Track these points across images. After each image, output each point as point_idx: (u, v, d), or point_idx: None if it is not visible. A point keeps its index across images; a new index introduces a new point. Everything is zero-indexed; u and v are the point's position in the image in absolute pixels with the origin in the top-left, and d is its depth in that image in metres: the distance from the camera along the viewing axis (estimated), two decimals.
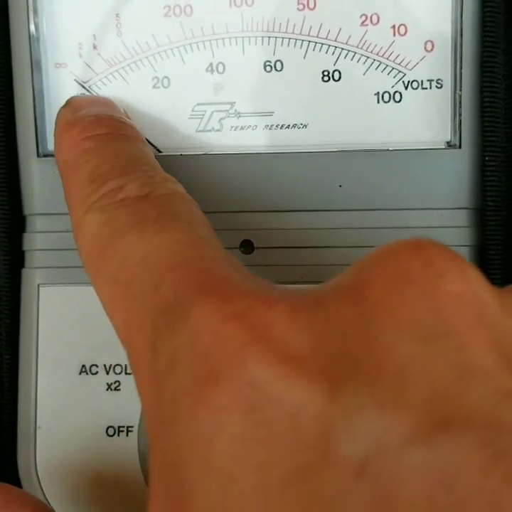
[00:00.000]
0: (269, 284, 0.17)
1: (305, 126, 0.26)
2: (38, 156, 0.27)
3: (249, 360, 0.14)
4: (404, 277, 0.15)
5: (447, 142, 0.26)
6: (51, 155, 0.27)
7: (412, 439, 0.12)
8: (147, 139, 0.27)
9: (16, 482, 0.27)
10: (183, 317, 0.15)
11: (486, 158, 0.25)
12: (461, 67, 0.25)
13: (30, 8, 0.26)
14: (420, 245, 0.15)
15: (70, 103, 0.25)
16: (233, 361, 0.14)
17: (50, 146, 0.27)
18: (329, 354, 0.14)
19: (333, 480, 0.13)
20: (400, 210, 0.26)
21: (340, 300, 0.15)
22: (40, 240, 0.27)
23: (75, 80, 0.27)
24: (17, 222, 0.27)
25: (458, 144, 0.26)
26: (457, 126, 0.26)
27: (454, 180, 0.26)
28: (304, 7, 0.26)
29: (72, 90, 0.27)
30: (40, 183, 0.27)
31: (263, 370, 0.14)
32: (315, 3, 0.26)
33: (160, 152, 0.27)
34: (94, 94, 0.27)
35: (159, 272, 0.17)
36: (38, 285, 0.26)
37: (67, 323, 0.26)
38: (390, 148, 0.26)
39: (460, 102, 0.26)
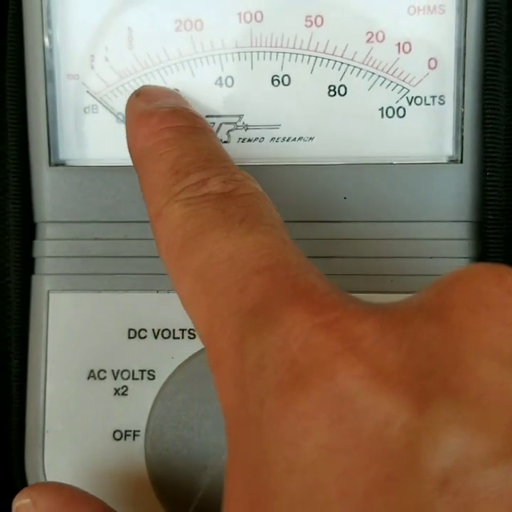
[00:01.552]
0: (350, 295, 0.17)
1: (311, 139, 0.27)
2: (50, 164, 0.27)
3: (339, 371, 0.14)
4: (486, 304, 0.15)
5: (449, 157, 0.27)
6: (62, 164, 0.27)
7: (494, 459, 0.13)
8: None
9: (24, 486, 0.27)
10: (272, 322, 0.16)
11: (487, 173, 0.26)
12: (463, 85, 0.26)
13: (45, 20, 0.27)
14: (501, 274, 0.16)
15: (141, 93, 0.25)
16: (323, 370, 0.14)
17: (62, 155, 0.28)
18: (417, 371, 0.14)
19: (416, 492, 0.13)
20: (402, 222, 0.27)
21: (426, 320, 0.15)
22: (50, 247, 0.27)
23: (87, 91, 0.27)
24: (28, 229, 0.28)
25: (459, 158, 0.26)
26: (459, 141, 0.26)
27: (455, 194, 0.26)
28: (312, 24, 0.27)
29: (84, 101, 0.27)
30: (51, 191, 0.27)
31: (353, 381, 0.14)
32: (322, 20, 0.26)
33: None
34: (106, 105, 0.27)
35: (246, 274, 0.17)
36: (48, 291, 0.27)
37: (76, 328, 0.27)
38: (394, 162, 0.27)
39: (462, 118, 0.26)
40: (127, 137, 0.24)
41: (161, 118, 0.23)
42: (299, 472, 0.14)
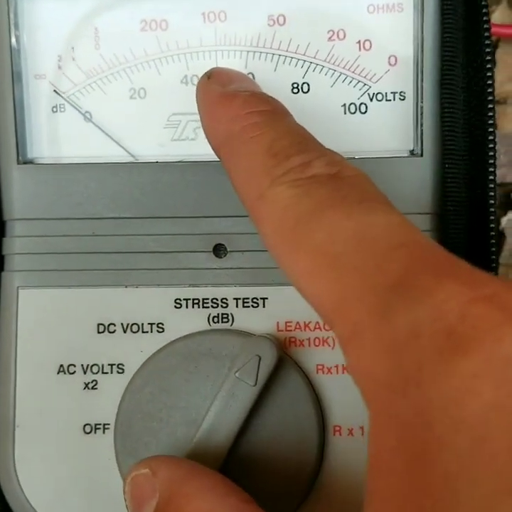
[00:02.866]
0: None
1: None
2: (18, 163, 0.28)
3: (505, 338, 0.15)
4: None
5: (410, 151, 0.27)
6: (31, 162, 0.28)
7: None
8: (123, 147, 0.28)
9: None
10: (423, 294, 0.16)
11: (447, 166, 0.26)
12: (422, 80, 0.27)
13: (12, 22, 0.27)
14: None
15: (214, 75, 0.24)
16: (488, 337, 0.15)
17: (30, 154, 0.28)
18: None
19: None
20: None
21: None
22: (19, 244, 0.28)
23: (55, 90, 0.28)
24: None
25: (420, 152, 0.27)
26: (419, 135, 0.27)
27: (416, 187, 0.27)
28: (275, 22, 0.27)
29: (52, 100, 0.28)
30: (19, 189, 0.28)
31: None
32: (285, 19, 0.27)
33: (136, 160, 0.28)
34: (74, 104, 0.28)
35: (380, 251, 0.18)
36: (17, 288, 0.27)
37: (46, 324, 0.27)
38: (356, 157, 0.27)
39: (422, 113, 0.27)
40: (203, 120, 0.24)
41: (245, 101, 0.22)
42: (465, 429, 0.15)
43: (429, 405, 0.15)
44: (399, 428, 0.16)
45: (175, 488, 0.21)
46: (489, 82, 0.26)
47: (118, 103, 0.28)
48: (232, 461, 0.25)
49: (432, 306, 0.16)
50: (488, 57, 0.26)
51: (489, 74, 0.26)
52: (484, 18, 0.26)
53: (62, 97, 0.28)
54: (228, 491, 0.21)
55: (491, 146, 0.26)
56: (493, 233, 0.27)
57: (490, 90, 0.26)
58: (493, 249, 0.27)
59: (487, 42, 0.26)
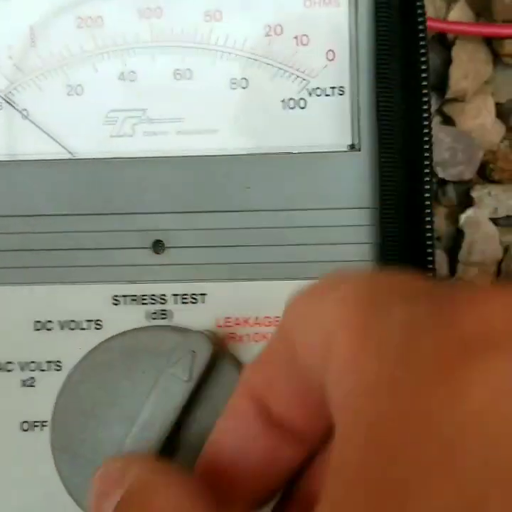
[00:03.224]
0: None
1: (215, 131, 0.28)
2: None
3: None
4: None
5: (349, 145, 0.27)
6: None
7: None
8: (61, 144, 0.28)
9: None
10: None
11: (382, 160, 0.26)
12: (358, 75, 0.27)
13: None
14: None
15: None
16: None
17: None
18: None
19: None
20: (305, 210, 0.27)
21: None
22: None
23: None
24: None
25: (358, 146, 0.27)
26: (357, 130, 0.27)
27: (355, 181, 0.27)
28: (211, 18, 0.27)
29: None
30: None
31: None
32: (221, 15, 0.27)
33: (74, 156, 0.28)
34: (11, 102, 0.28)
35: None
36: None
37: None
38: (294, 152, 0.27)
39: (359, 108, 0.27)
40: None
41: None
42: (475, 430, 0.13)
43: (437, 408, 0.14)
44: (422, 427, 0.14)
45: (143, 480, 0.21)
46: (424, 75, 0.26)
47: (55, 100, 0.28)
48: (169, 456, 0.25)
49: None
50: (423, 50, 0.26)
51: (424, 67, 0.26)
52: (419, 12, 0.26)
53: None
54: (199, 492, 0.21)
55: (427, 139, 0.26)
56: (430, 227, 0.26)
57: (425, 83, 0.26)
58: (430, 242, 0.27)
59: (422, 35, 0.26)
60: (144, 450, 0.24)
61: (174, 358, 0.25)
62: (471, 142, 0.40)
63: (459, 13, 0.41)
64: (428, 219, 0.26)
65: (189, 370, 0.25)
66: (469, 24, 0.40)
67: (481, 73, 0.41)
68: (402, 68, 0.27)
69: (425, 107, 0.26)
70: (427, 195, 0.26)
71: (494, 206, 0.40)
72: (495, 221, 0.40)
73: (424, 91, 0.26)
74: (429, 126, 0.26)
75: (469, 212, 0.40)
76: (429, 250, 0.26)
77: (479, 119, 0.41)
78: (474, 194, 0.40)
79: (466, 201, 0.41)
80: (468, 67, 0.41)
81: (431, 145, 0.26)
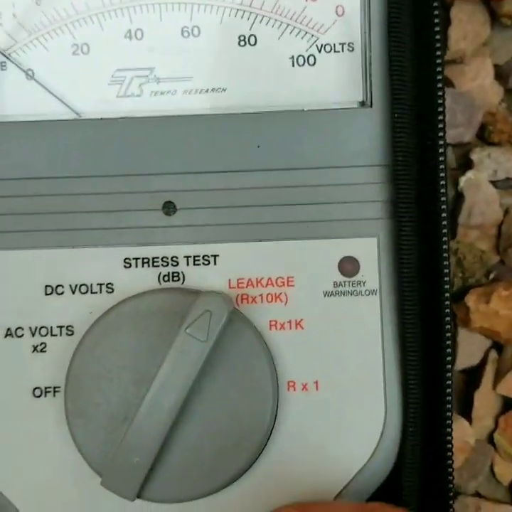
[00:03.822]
0: None
1: (224, 89, 0.27)
2: None
3: None
4: None
5: (360, 102, 0.27)
6: None
7: None
8: (66, 104, 0.27)
9: None
10: None
11: (395, 116, 0.26)
12: (369, 30, 0.26)
13: None
14: None
15: None
16: None
17: None
18: None
19: None
20: (316, 168, 0.27)
21: None
22: None
23: None
24: None
25: (369, 103, 0.27)
26: (368, 86, 0.27)
27: (367, 138, 0.27)
28: None
29: None
30: None
31: None
32: None
33: (80, 117, 0.27)
34: (15, 62, 0.27)
35: None
36: None
37: None
38: (305, 109, 0.27)
39: (370, 64, 0.27)
40: None
41: None
42: None
43: None
44: None
45: None
46: (437, 30, 0.26)
47: (61, 60, 0.27)
48: (185, 419, 0.25)
49: None
50: (435, 4, 0.26)
51: (436, 22, 0.26)
52: None
53: (3, 54, 0.27)
54: None
55: (440, 94, 0.26)
56: (444, 183, 0.26)
57: (438, 37, 0.26)
58: (443, 199, 0.26)
59: None
60: (162, 413, 0.24)
61: (190, 319, 0.25)
62: (470, 103, 0.40)
63: None
64: (442, 175, 0.26)
65: (206, 330, 0.24)
66: None
67: (480, 34, 0.41)
68: (414, 24, 0.26)
69: (438, 60, 0.26)
70: (441, 151, 0.26)
71: (493, 168, 0.40)
72: (494, 183, 0.40)
73: (437, 45, 0.26)
74: (442, 81, 0.26)
75: (469, 174, 0.40)
76: (443, 207, 0.26)
77: (478, 80, 0.41)
78: (474, 157, 0.40)
79: (466, 164, 0.41)
80: (466, 28, 0.40)
81: (444, 100, 0.26)
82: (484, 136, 0.41)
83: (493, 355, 0.38)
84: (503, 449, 0.37)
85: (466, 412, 0.37)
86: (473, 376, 0.38)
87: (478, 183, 0.40)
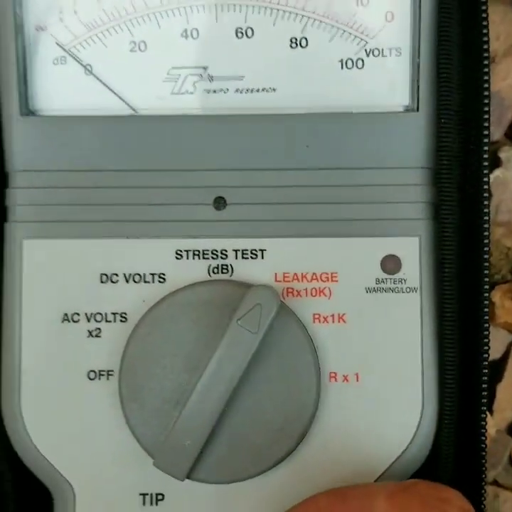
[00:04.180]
0: None
1: (274, 89, 0.28)
2: (21, 114, 0.28)
3: None
4: None
5: (405, 106, 0.28)
6: (33, 114, 0.28)
7: None
8: (123, 100, 0.28)
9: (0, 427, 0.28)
10: None
11: (442, 120, 0.27)
12: (419, 37, 0.27)
13: None
14: None
15: None
16: None
17: (32, 105, 0.28)
18: None
19: None
20: (362, 169, 0.28)
21: None
22: (21, 195, 0.28)
23: (56, 42, 0.28)
24: (1, 178, 0.28)
25: (416, 107, 0.28)
26: (415, 91, 0.28)
27: (412, 141, 0.28)
28: None
29: (53, 52, 0.28)
30: (21, 141, 0.28)
31: None
32: None
33: (136, 112, 0.28)
34: (74, 56, 0.28)
35: None
36: (21, 238, 0.28)
37: (50, 274, 0.28)
38: (354, 111, 0.28)
39: (418, 69, 0.28)
40: None
41: None
42: None
43: None
44: None
45: None
46: (485, 38, 0.27)
47: (118, 56, 0.28)
48: (233, 406, 0.26)
49: None
50: (484, 15, 0.27)
51: (485, 31, 0.27)
52: None
53: (63, 49, 0.28)
54: None
55: (486, 101, 0.27)
56: (486, 187, 0.27)
57: (486, 47, 0.27)
58: (486, 203, 0.27)
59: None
60: (212, 399, 0.26)
61: (242, 311, 0.26)
62: (500, 102, 0.41)
63: None
64: (485, 180, 0.27)
65: (257, 322, 0.26)
66: None
67: (511, 34, 0.42)
68: (461, 31, 0.27)
69: (486, 69, 0.27)
70: (484, 156, 0.27)
71: None
72: None
73: (485, 54, 0.27)
74: (488, 89, 0.27)
75: (497, 172, 0.41)
76: (486, 210, 0.27)
77: (508, 80, 0.42)
78: (502, 155, 0.41)
79: (494, 162, 0.42)
80: (499, 29, 0.41)
81: (489, 106, 0.27)
82: None
83: None
84: None
85: (488, 404, 0.38)
86: (495, 370, 0.39)
87: (506, 181, 0.41)
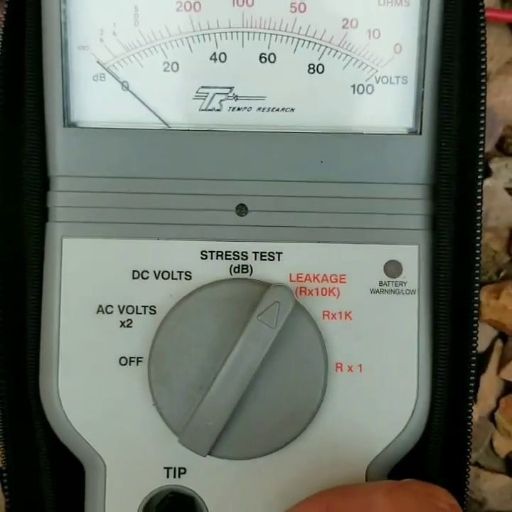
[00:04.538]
0: None
1: (292, 110, 0.31)
2: (63, 125, 0.31)
3: None
4: None
5: (409, 129, 0.31)
6: (74, 125, 0.31)
7: None
8: (157, 115, 0.31)
9: (39, 407, 0.31)
10: None
11: (442, 144, 0.30)
12: (424, 67, 0.31)
13: None
14: None
15: None
16: None
17: (74, 118, 0.31)
18: None
19: None
20: (370, 183, 0.31)
21: None
22: (62, 197, 0.31)
23: (96, 61, 0.31)
24: (44, 182, 0.31)
25: (419, 130, 0.31)
26: (419, 116, 0.31)
27: (414, 160, 0.31)
28: (296, 9, 0.31)
29: (93, 70, 0.31)
30: (63, 149, 0.31)
31: None
32: (305, 7, 0.31)
33: (169, 127, 0.31)
34: (113, 74, 0.31)
35: None
36: (61, 237, 0.31)
37: (87, 269, 0.31)
38: (364, 132, 0.31)
39: (422, 96, 0.31)
40: None
41: None
42: None
43: None
44: None
45: None
46: (483, 73, 0.30)
47: (153, 75, 0.31)
48: (250, 392, 0.30)
49: None
50: (483, 52, 0.30)
51: (483, 67, 0.30)
52: (481, 18, 0.30)
53: (103, 67, 0.31)
54: None
55: (482, 129, 0.30)
56: (480, 204, 0.31)
57: (483, 74, 0.30)
58: (478, 218, 0.31)
59: (482, 31, 0.30)
60: (232, 385, 0.29)
61: (261, 308, 0.29)
62: (492, 117, 0.44)
63: (487, 1, 0.45)
64: (478, 197, 0.31)
65: (275, 318, 0.29)
66: (498, 11, 0.44)
67: (504, 54, 0.45)
68: (461, 61, 0.31)
69: (482, 101, 0.30)
70: (479, 170, 0.30)
71: (510, 177, 0.45)
72: (509, 191, 0.45)
73: (482, 87, 0.30)
74: (484, 118, 0.30)
75: (487, 182, 0.45)
76: (478, 217, 0.31)
77: (500, 96, 0.45)
78: (492, 166, 0.45)
79: (485, 172, 0.45)
80: (493, 50, 0.44)
81: (484, 131, 0.31)
82: (503, 148, 0.45)
83: (499, 344, 0.43)
84: (502, 427, 0.42)
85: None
86: (480, 362, 0.43)
87: (495, 190, 0.45)
